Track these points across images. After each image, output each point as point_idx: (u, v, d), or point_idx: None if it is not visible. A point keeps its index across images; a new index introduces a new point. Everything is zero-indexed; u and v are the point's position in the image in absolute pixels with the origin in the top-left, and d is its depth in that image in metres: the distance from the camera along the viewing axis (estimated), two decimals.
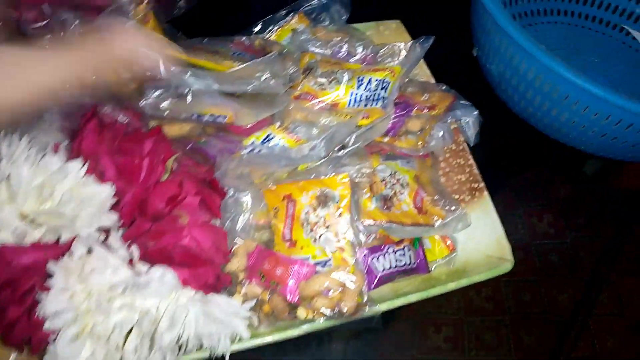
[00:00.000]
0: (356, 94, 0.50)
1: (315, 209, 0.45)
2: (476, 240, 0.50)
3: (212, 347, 0.39)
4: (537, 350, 0.50)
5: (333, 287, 0.43)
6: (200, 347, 0.40)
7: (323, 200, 0.46)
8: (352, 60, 0.56)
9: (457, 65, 0.66)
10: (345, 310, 0.43)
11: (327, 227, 0.45)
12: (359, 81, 0.50)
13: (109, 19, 0.47)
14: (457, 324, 0.52)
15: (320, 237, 0.44)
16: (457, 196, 0.53)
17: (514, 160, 0.65)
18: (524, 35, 0.47)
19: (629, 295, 0.54)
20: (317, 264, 0.44)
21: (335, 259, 0.44)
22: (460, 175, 0.55)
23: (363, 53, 0.56)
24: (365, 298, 0.44)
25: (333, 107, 0.50)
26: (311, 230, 0.45)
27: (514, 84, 0.54)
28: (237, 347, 0.41)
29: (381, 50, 0.55)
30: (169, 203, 0.39)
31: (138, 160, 0.40)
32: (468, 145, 0.55)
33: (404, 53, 0.54)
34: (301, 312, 0.44)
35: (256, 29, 0.60)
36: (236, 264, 0.44)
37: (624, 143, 0.51)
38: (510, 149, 0.65)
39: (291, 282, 0.43)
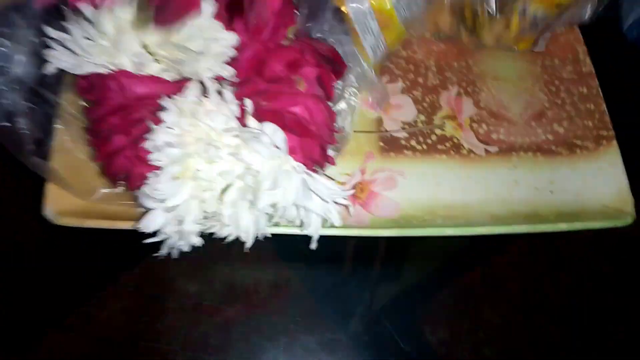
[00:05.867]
0: None
1: None
2: (594, 190, 0.46)
3: (304, 224, 0.37)
4: None
5: None
6: (289, 222, 0.38)
7: None
8: None
9: None
10: None
11: None
12: None
13: None
14: None
15: None
16: (579, 142, 0.49)
17: None
18: None
19: None
20: None
21: None
22: (587, 120, 0.50)
23: None
24: None
25: None
26: None
27: None
28: (326, 232, 0.39)
29: None
30: (289, 67, 0.37)
31: (265, 17, 0.37)
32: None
33: None
34: None
35: None
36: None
37: None
38: None
39: None
